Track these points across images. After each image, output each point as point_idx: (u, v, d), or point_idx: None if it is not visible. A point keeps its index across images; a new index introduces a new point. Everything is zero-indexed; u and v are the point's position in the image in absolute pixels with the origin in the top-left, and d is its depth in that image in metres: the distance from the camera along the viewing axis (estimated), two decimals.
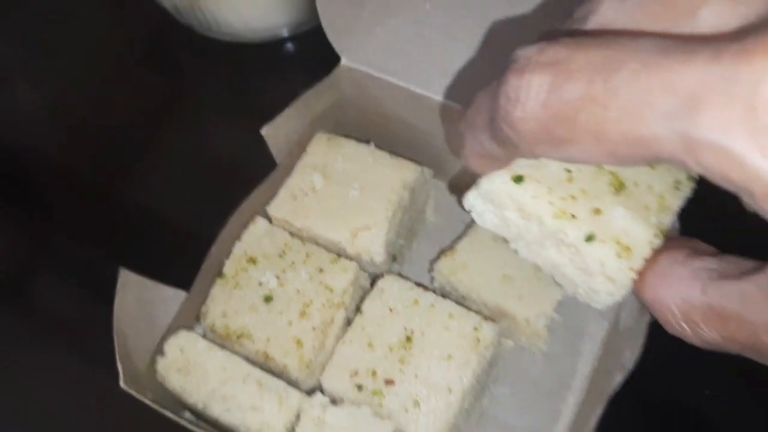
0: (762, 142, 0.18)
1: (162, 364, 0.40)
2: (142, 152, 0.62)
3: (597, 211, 0.30)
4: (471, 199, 0.32)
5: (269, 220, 0.46)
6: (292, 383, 0.41)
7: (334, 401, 0.39)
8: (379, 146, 0.48)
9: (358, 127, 0.52)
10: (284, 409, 0.38)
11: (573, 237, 0.30)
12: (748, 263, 0.26)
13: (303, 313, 0.42)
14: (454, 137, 0.47)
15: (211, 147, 0.63)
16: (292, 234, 0.45)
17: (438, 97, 0.45)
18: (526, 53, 0.23)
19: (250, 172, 0.49)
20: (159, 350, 0.41)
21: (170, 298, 0.43)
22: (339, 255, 0.44)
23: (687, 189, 0.32)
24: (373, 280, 0.45)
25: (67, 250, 0.58)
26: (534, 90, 0.22)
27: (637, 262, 0.29)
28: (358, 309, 0.42)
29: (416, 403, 0.38)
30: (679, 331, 0.28)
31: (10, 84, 0.69)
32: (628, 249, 0.30)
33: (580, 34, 0.23)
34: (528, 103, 0.23)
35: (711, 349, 0.27)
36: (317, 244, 0.45)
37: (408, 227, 0.48)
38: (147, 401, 0.37)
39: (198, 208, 0.57)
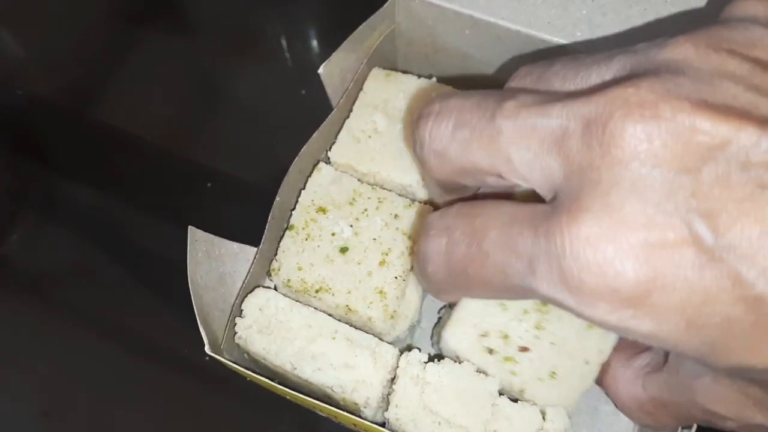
0: (574, 294, 0.23)
1: (242, 326, 0.38)
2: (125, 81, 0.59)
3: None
4: None
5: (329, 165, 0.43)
6: (375, 336, 0.38)
7: (457, 359, 0.36)
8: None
9: (407, 61, 0.49)
10: (379, 365, 0.36)
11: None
12: None
13: (382, 263, 0.39)
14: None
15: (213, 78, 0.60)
16: (359, 179, 0.42)
17: (505, 23, 0.42)
18: (430, 220, 0.30)
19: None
20: (236, 311, 0.39)
21: (236, 253, 0.40)
22: (412, 200, 0.41)
23: None
24: None
25: (74, 194, 0.55)
26: (435, 250, 0.29)
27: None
28: None
29: (552, 374, 0.35)
30: (644, 422, 0.34)
31: None
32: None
33: (465, 204, 0.29)
34: (434, 260, 0.29)
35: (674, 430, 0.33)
36: (383, 188, 0.42)
37: None
38: (238, 367, 0.35)
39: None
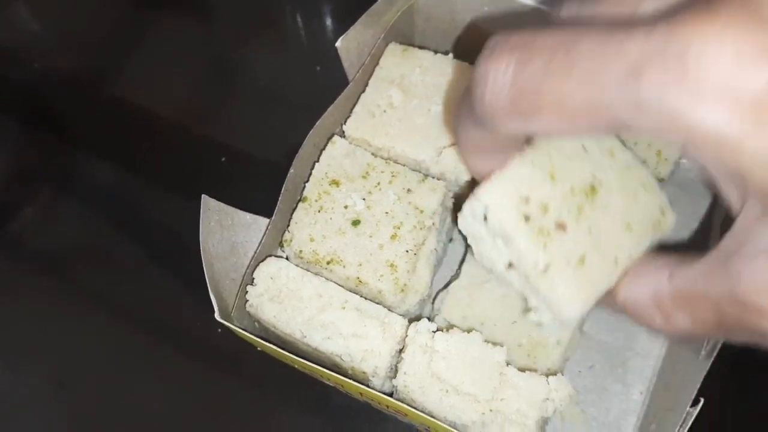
0: (694, 96, 0.20)
1: (253, 294, 0.38)
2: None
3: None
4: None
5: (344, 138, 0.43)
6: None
7: (485, 217, 0.32)
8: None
9: (424, 37, 0.49)
10: (388, 335, 0.36)
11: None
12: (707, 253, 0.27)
13: (394, 236, 0.39)
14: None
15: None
16: (373, 153, 0.42)
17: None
18: (495, 40, 0.25)
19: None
20: (247, 280, 0.39)
21: (249, 223, 0.40)
22: (425, 175, 0.41)
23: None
24: (457, 200, 0.43)
25: (89, 169, 0.55)
26: (501, 70, 0.25)
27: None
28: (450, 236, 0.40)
29: (581, 261, 0.32)
30: (654, 323, 0.30)
31: (12, 9, 0.65)
32: None
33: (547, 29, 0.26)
34: (497, 81, 0.25)
35: (685, 337, 0.29)
36: (397, 162, 0.42)
37: None
38: (247, 334, 0.35)
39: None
